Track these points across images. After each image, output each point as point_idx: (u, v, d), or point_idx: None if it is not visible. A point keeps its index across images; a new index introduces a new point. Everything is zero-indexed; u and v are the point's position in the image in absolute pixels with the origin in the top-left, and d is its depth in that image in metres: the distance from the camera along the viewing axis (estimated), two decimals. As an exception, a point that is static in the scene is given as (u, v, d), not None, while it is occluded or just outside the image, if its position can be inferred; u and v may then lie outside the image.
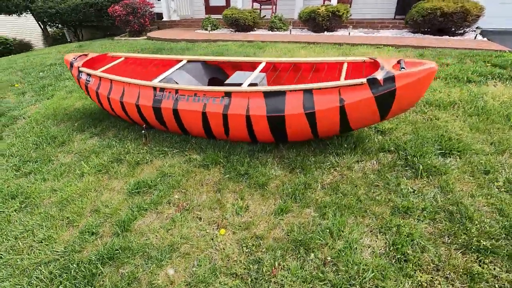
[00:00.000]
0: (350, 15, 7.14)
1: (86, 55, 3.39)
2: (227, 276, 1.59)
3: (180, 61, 3.24)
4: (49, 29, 12.90)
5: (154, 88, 2.65)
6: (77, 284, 1.60)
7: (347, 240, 1.69)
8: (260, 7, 8.66)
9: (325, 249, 1.67)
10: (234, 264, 1.64)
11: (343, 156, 2.42)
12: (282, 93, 2.30)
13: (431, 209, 1.86)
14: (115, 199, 2.21)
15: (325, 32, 6.93)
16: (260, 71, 2.90)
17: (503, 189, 1.97)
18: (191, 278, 1.59)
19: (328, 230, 1.77)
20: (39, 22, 10.64)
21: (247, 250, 1.72)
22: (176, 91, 2.57)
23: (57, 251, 1.82)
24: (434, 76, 2.31)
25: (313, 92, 2.24)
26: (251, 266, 1.62)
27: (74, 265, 1.70)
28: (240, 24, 7.57)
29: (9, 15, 10.17)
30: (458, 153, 2.35)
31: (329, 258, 1.62)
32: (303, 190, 2.11)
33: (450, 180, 2.07)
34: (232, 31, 8.01)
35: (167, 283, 1.58)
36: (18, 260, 1.79)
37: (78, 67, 3.14)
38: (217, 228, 1.89)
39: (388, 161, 2.35)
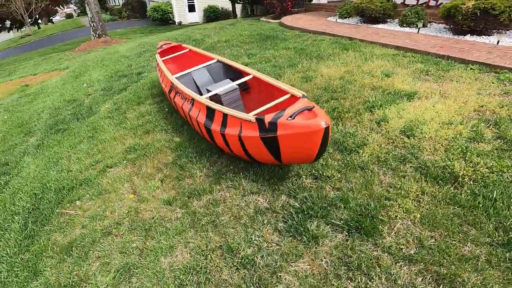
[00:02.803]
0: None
1: (169, 43, 4.58)
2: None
3: (212, 59, 3.84)
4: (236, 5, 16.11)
5: (172, 84, 3.43)
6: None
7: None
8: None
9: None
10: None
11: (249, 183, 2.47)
12: (213, 110, 2.57)
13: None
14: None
15: (468, 36, 5.22)
16: (245, 82, 3.09)
17: None
18: (88, 212, 2.51)
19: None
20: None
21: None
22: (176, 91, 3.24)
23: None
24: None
25: (228, 117, 2.39)
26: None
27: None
28: (365, 15, 6.86)
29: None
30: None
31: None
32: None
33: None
34: (360, 21, 7.35)
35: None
36: (59, 163, 3.30)
37: (157, 53, 4.39)
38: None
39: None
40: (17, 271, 2.18)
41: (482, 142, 2.47)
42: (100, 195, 2.73)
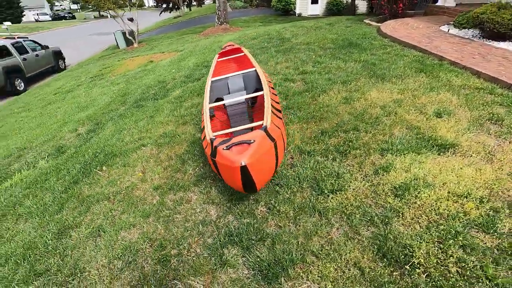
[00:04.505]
0: None
1: (232, 45, 4.96)
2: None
3: (252, 67, 4.01)
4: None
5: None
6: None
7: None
8: None
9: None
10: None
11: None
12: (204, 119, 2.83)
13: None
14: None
15: None
16: (255, 97, 3.18)
17: None
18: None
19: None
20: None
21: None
22: None
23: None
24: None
25: (203, 130, 2.61)
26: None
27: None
28: (485, 28, 5.45)
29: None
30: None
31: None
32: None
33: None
34: (478, 35, 5.88)
35: (106, 173, 3.39)
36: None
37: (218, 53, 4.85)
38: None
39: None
40: (56, 204, 3.12)
41: (487, 233, 1.88)
42: (123, 166, 3.48)
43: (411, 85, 3.94)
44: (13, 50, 11.67)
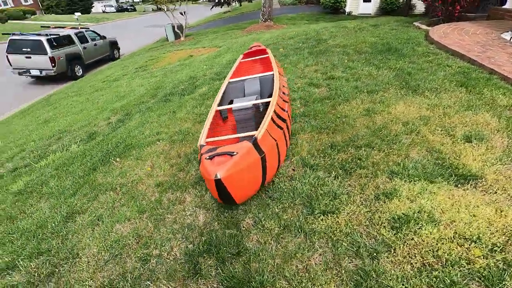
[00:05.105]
0: None
1: (259, 45, 4.88)
2: (119, 178, 3.29)
3: (271, 71, 3.89)
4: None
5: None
6: (125, 143, 4.02)
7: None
8: None
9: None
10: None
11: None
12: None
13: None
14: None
15: None
16: (259, 104, 3.09)
17: None
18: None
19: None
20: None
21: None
22: None
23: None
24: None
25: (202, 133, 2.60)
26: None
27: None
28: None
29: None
30: None
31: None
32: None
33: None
34: (549, 45, 5.03)
35: (120, 164, 3.58)
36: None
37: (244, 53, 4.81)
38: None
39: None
40: (73, 188, 3.39)
41: (491, 285, 1.61)
42: (136, 159, 3.65)
43: (445, 100, 3.52)
44: (75, 39, 12.94)
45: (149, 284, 2.01)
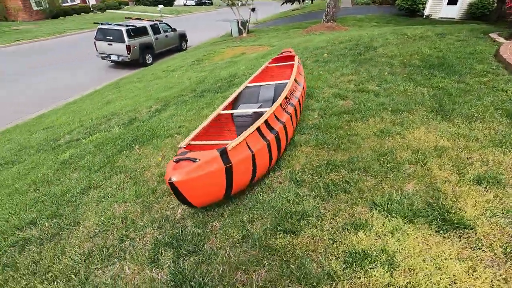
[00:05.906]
0: None
1: (290, 51, 4.84)
2: (133, 163, 3.71)
3: (288, 79, 3.86)
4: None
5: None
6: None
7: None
8: None
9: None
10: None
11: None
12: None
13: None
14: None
15: None
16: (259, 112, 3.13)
17: None
18: (138, 155, 3.90)
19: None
20: None
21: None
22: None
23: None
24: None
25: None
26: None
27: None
28: None
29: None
30: None
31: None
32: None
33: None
34: None
35: (139, 150, 4.03)
36: (169, 118, 4.92)
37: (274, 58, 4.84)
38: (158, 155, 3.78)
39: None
40: (98, 166, 3.94)
41: None
42: (154, 148, 4.04)
43: (475, 131, 3.07)
44: (150, 30, 14.45)
45: (115, 261, 2.30)
